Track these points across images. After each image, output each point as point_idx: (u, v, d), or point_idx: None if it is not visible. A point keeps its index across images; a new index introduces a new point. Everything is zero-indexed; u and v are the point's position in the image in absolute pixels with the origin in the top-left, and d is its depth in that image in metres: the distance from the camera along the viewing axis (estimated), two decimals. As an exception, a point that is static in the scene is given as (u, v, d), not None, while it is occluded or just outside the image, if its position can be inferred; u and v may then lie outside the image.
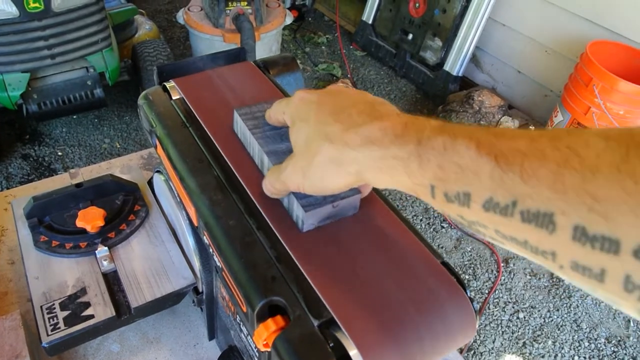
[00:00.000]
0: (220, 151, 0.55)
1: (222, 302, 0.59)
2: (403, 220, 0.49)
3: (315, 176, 0.42)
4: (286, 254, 0.45)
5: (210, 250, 0.50)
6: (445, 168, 0.32)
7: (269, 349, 0.42)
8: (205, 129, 0.57)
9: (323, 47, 3.35)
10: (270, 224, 0.47)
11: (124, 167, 0.79)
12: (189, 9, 2.71)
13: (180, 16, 2.73)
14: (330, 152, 0.40)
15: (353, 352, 0.39)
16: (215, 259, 0.49)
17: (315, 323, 0.40)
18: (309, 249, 0.45)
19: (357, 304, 0.41)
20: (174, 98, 0.63)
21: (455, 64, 2.77)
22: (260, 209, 0.49)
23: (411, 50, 2.98)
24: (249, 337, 0.53)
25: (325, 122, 0.41)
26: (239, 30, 2.43)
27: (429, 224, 2.11)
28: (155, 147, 0.61)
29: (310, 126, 0.42)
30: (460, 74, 2.80)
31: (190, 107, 0.61)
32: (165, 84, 0.65)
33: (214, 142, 0.56)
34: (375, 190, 0.52)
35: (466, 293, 0.44)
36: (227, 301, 0.57)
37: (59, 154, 2.38)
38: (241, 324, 0.54)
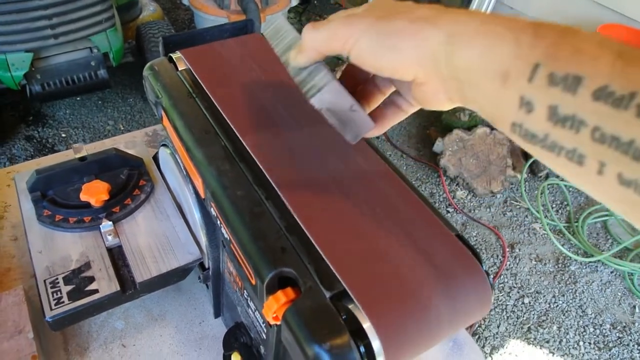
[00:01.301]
0: (228, 122, 0.53)
1: (229, 278, 0.58)
2: (415, 191, 0.48)
3: (383, 31, 0.34)
4: (296, 225, 0.44)
5: (218, 222, 0.49)
6: (560, 46, 0.29)
7: (278, 322, 0.41)
8: (213, 99, 0.56)
9: (328, 31, 3.32)
10: (278, 191, 0.46)
11: (128, 142, 0.78)
12: (193, -10, 2.68)
13: (185, -3, 2.70)
14: (423, 11, 0.34)
15: (366, 324, 0.38)
16: (223, 231, 0.48)
17: (327, 295, 0.39)
18: (320, 218, 0.44)
19: (370, 276, 0.40)
20: (180, 69, 0.61)
21: (462, 48, 2.73)
22: (267, 175, 0.47)
23: (417, 34, 2.94)
24: (256, 313, 0.52)
25: (404, 5, 0.35)
26: (244, 12, 2.40)
27: (434, 208, 2.09)
28: (161, 119, 0.60)
29: (385, 7, 0.35)
30: (467, 58, 2.76)
31: (197, 77, 0.59)
32: (171, 55, 0.64)
33: (222, 112, 0.54)
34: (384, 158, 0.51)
35: (482, 266, 0.43)
36: (235, 276, 0.55)
37: (63, 135, 2.37)
38: (248, 299, 0.53)
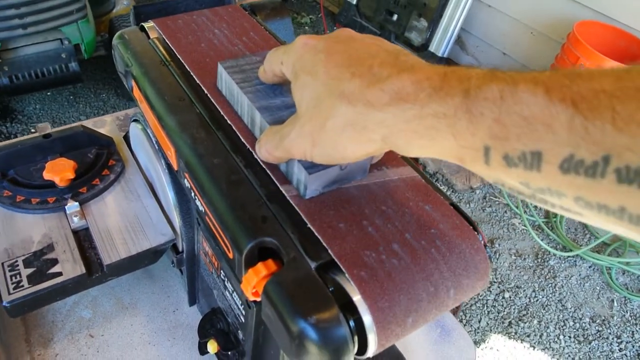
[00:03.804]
0: (204, 89, 0.49)
1: (205, 259, 0.54)
2: (404, 158, 0.45)
3: (327, 143, 0.34)
4: (278, 193, 0.40)
5: (192, 194, 0.45)
6: (504, 122, 0.25)
7: (258, 298, 0.37)
8: (187, 67, 0.52)
9: (306, 28, 3.29)
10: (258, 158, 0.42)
11: (97, 122, 0.73)
12: (168, -17, 2.62)
13: (160, -10, 2.64)
14: (348, 114, 0.32)
15: (356, 297, 0.34)
16: (198, 203, 0.44)
17: (313, 265, 0.36)
18: None
19: (360, 245, 0.37)
20: (152, 37, 0.57)
21: (440, 45, 2.72)
22: (246, 143, 0.43)
23: (396, 30, 2.93)
24: (234, 294, 0.49)
25: (339, 77, 0.33)
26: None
27: (413, 204, 2.07)
28: (131, 90, 0.56)
29: (320, 81, 0.34)
30: (445, 55, 2.76)
31: (171, 45, 0.55)
32: (143, 24, 0.60)
33: (197, 80, 0.50)
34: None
35: (479, 237, 0.40)
36: (210, 256, 0.52)
37: (33, 131, 2.29)
38: (225, 280, 0.50)
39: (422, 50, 2.82)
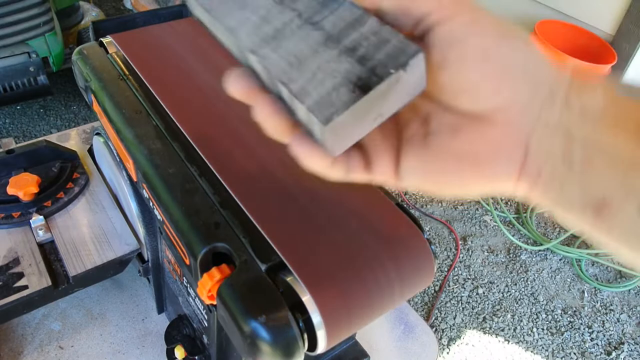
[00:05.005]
0: (160, 101, 0.51)
1: (169, 267, 0.56)
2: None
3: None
4: (231, 199, 0.42)
5: (151, 203, 0.46)
6: None
7: (214, 302, 0.39)
8: (144, 80, 0.53)
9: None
10: (211, 167, 0.44)
11: (61, 136, 0.74)
12: (136, -6, 2.62)
13: (128, 1, 2.64)
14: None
15: (306, 297, 0.36)
16: (156, 213, 0.46)
17: (263, 268, 0.37)
18: (255, 191, 0.42)
19: (308, 246, 0.38)
20: (110, 52, 0.59)
21: (409, 48, 2.76)
22: (200, 152, 0.45)
23: (366, 34, 2.97)
24: (196, 300, 0.50)
25: None
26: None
27: (387, 205, 2.09)
28: (91, 104, 0.57)
29: None
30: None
31: (129, 59, 0.56)
32: (102, 39, 0.61)
33: (154, 92, 0.52)
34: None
35: (423, 234, 0.42)
36: (173, 264, 0.53)
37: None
38: (188, 286, 0.51)
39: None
